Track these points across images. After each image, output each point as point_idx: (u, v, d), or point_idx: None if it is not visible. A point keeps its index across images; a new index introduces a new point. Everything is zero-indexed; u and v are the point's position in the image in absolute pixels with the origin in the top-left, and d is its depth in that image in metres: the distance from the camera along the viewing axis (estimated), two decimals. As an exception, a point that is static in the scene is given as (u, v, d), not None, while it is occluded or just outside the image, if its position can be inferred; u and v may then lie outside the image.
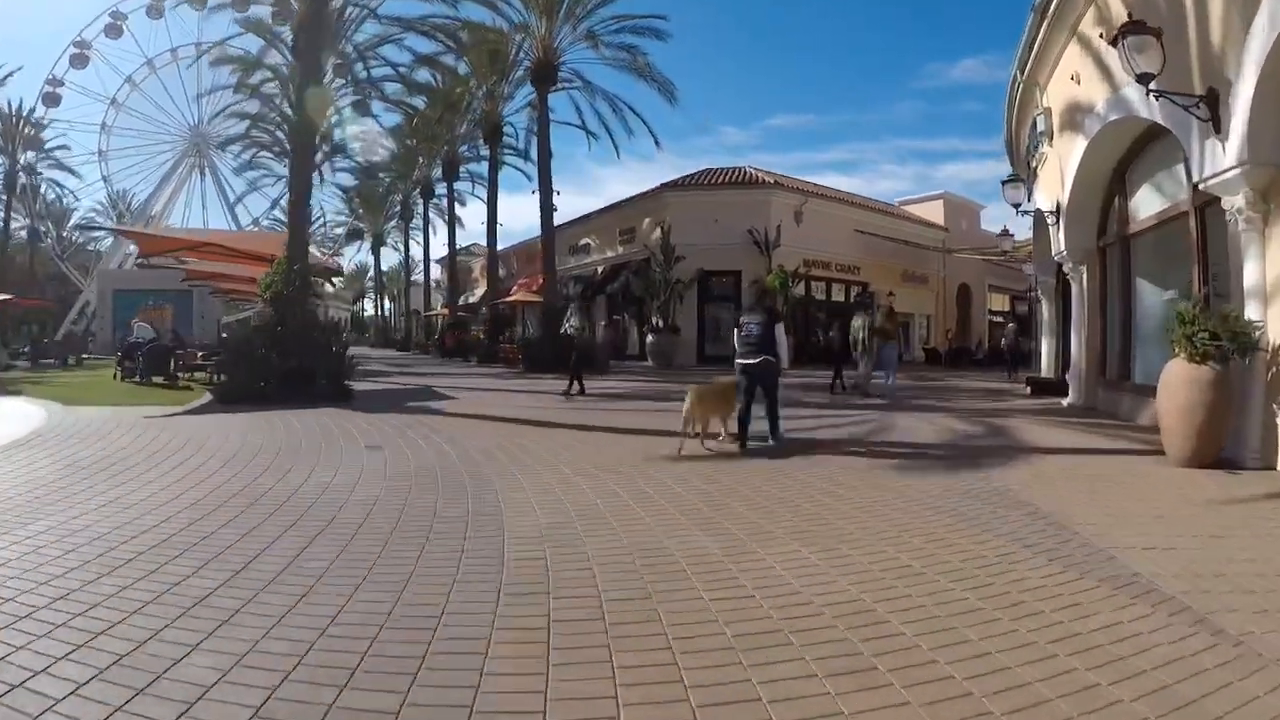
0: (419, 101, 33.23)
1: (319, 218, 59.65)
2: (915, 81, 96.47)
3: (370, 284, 76.15)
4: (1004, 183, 17.58)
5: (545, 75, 24.48)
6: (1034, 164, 12.98)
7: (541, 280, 39.75)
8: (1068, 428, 8.63)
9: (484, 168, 38.70)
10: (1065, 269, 11.18)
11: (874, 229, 27.45)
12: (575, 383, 13.21)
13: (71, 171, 43.60)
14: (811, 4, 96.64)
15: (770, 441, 6.86)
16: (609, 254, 30.95)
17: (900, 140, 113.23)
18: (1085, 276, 10.72)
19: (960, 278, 31.96)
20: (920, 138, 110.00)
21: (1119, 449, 7.06)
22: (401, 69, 30.70)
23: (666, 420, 8.02)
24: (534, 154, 26.45)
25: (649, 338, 25.79)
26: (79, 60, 41.59)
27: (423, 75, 29.95)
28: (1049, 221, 11.53)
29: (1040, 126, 11.46)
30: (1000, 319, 35.41)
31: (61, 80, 40.65)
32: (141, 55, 41.75)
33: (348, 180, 44.35)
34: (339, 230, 59.09)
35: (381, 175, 46.01)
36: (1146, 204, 9.23)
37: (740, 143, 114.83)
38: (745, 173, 27.03)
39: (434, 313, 43.35)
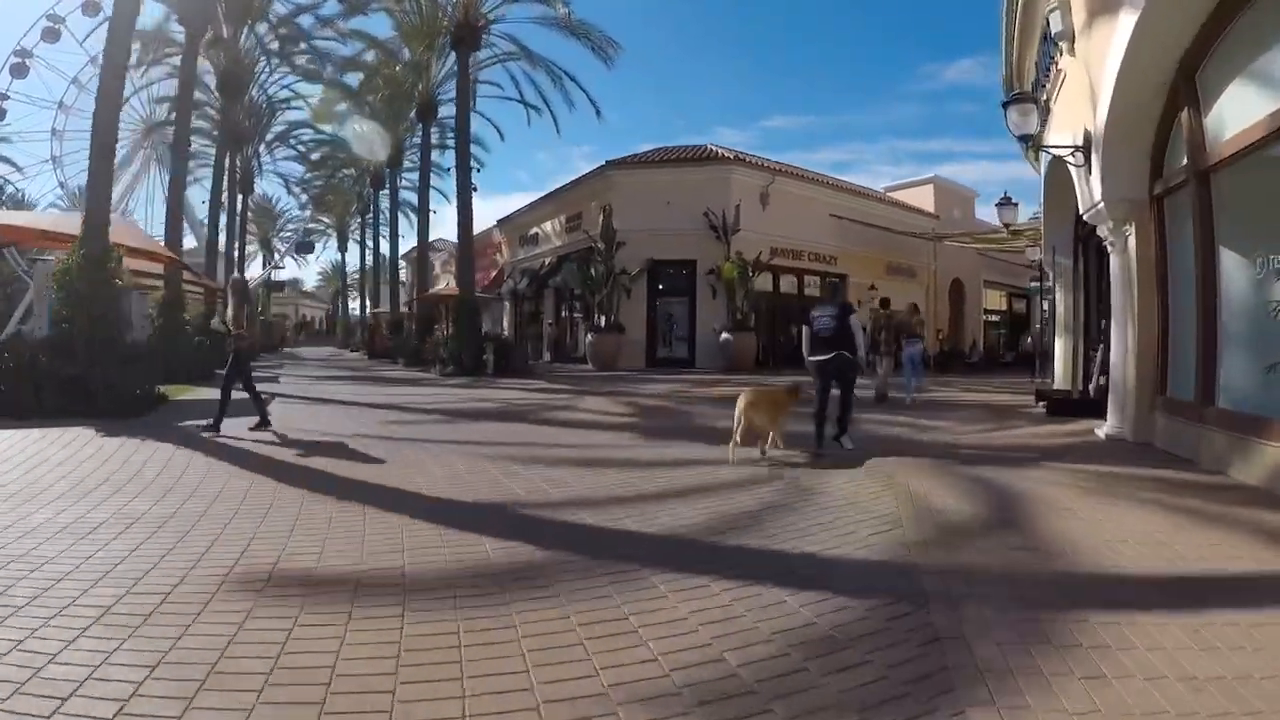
0: (353, 81, 30.17)
1: (281, 215, 56.58)
2: (911, 83, 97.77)
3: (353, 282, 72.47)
4: (1006, 104, 14.15)
5: (466, 38, 20.97)
6: (1047, 94, 9.35)
7: (494, 274, 36.69)
8: (1138, 501, 4.63)
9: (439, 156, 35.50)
10: (1101, 233, 7.49)
11: (854, 214, 23.78)
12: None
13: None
14: (807, 5, 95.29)
15: (845, 445, 6.44)
16: (556, 243, 27.32)
17: (896, 141, 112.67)
18: (1133, 242, 7.05)
19: (953, 271, 28.33)
20: (916, 139, 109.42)
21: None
22: (319, 41, 27.82)
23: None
24: (493, 138, 22.91)
25: (588, 337, 22.19)
26: (19, 70, 38.12)
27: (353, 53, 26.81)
28: (1073, 165, 7.86)
29: (1057, 26, 7.81)
30: (996, 318, 31.91)
31: (6, 94, 37.13)
32: (85, 55, 38.04)
33: (294, 170, 40.96)
34: (290, 230, 55.69)
35: (329, 164, 42.72)
36: (1240, 113, 5.56)
37: (736, 144, 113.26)
38: (703, 149, 23.37)
39: (380, 310, 39.61)
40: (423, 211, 28.55)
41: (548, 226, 28.51)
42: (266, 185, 51.22)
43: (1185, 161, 6.36)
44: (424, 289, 28.99)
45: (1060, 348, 11.82)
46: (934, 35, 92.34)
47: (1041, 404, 10.18)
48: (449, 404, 11.37)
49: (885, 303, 12.71)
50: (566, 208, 26.52)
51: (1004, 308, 32.19)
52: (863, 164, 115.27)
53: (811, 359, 6.50)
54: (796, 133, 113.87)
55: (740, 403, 6.00)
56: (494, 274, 35.03)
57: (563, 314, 28.22)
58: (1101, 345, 9.51)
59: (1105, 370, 8.78)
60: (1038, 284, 21.24)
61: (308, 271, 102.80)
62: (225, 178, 31.45)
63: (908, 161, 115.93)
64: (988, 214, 26.86)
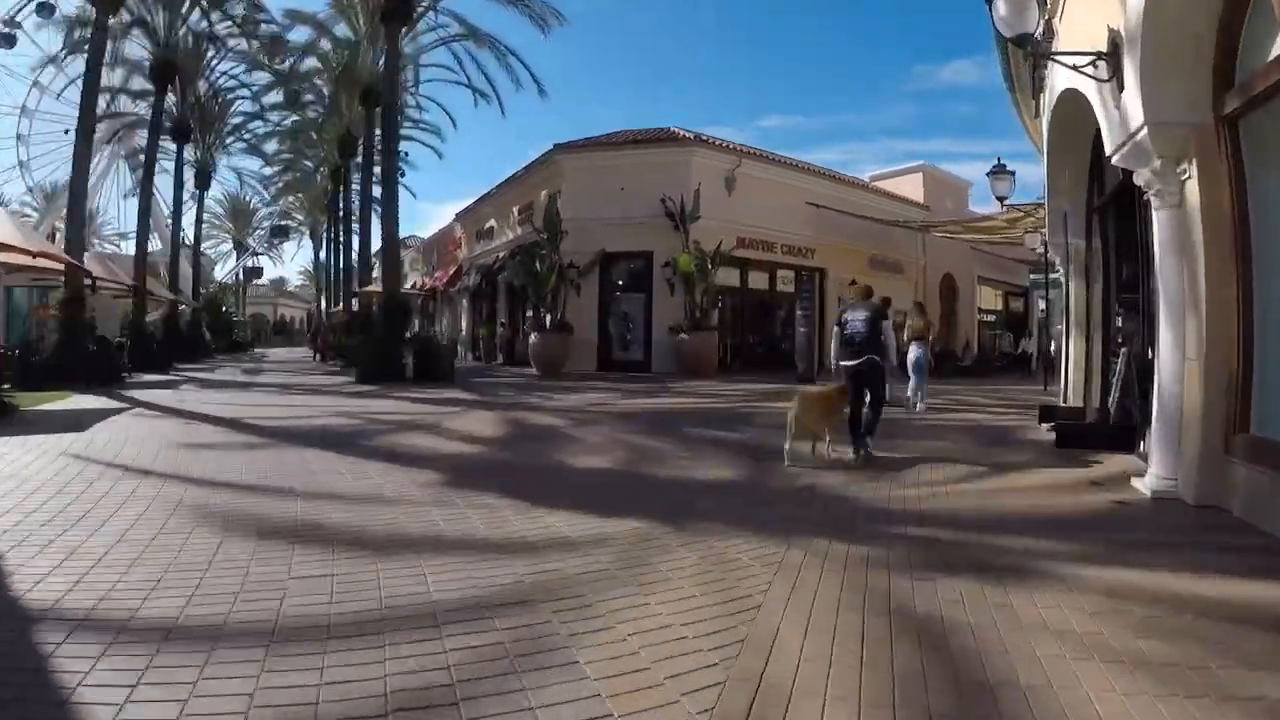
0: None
1: (255, 213, 54.02)
2: (907, 83, 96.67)
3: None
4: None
5: (395, 10, 18.60)
6: (1049, 11, 6.91)
7: (452, 271, 34.15)
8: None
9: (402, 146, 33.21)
10: (1142, 182, 4.96)
11: (834, 203, 21.28)
12: None
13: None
14: (801, 4, 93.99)
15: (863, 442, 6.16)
16: (509, 236, 24.89)
17: (892, 141, 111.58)
18: (1193, 188, 4.58)
19: (944, 267, 25.90)
20: (912, 139, 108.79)
21: None
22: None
23: None
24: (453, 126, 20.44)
25: (531, 338, 19.75)
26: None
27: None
28: (1094, 80, 5.37)
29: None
30: (992, 317, 29.46)
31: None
32: (44, 56, 35.63)
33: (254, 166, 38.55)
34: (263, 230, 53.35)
35: (282, 159, 40.38)
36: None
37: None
38: (664, 130, 20.86)
39: (335, 310, 36.99)
40: (364, 202, 26.12)
41: (502, 218, 26.11)
42: (232, 182, 48.84)
43: (1278, 55, 3.92)
44: (363, 286, 26.42)
45: (1073, 351, 9.34)
46: (928, 37, 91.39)
47: (1047, 427, 7.74)
48: (298, 420, 8.95)
49: (887, 302, 10.79)
50: (518, 197, 24.10)
51: (1000, 307, 29.76)
52: (859, 164, 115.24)
53: (841, 364, 6.32)
54: (792, 132, 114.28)
55: (793, 408, 5.95)
56: (453, 270, 32.59)
57: (518, 313, 25.77)
58: (1123, 349, 7.07)
59: (1134, 386, 6.35)
60: (1039, 275, 18.86)
61: (289, 270, 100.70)
62: (180, 172, 29.69)
63: (905, 161, 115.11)
64: (983, 207, 24.42)
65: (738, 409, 10.97)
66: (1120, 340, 7.51)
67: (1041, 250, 14.94)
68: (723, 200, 19.43)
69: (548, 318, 19.30)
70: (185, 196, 31.76)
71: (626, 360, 19.71)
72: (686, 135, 19.26)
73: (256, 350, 43.05)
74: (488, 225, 27.98)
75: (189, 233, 35.32)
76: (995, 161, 14.90)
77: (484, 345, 26.91)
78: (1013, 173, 15.12)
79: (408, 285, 33.07)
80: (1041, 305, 33.87)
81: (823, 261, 21.40)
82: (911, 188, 25.70)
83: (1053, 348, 16.30)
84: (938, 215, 24.55)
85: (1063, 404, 8.91)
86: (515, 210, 24.19)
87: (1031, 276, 25.41)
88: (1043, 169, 9.28)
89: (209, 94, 31.02)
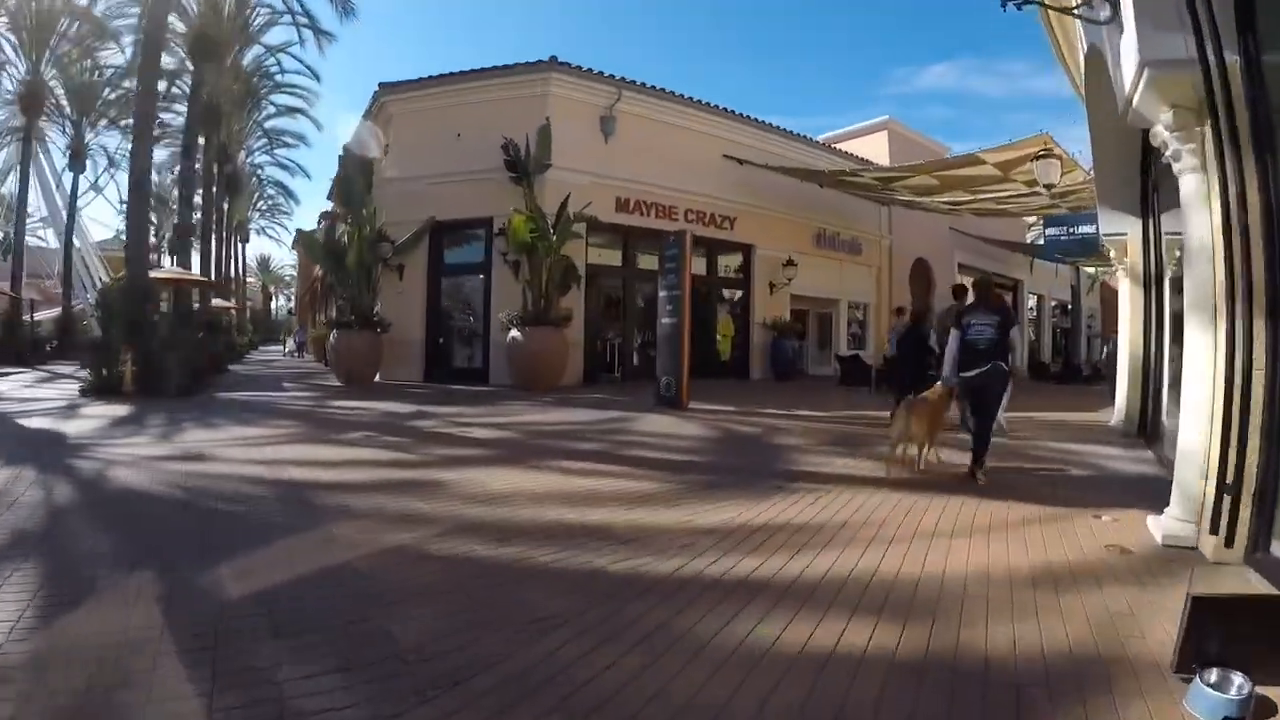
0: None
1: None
2: (887, 86, 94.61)
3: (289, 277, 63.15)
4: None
5: None
6: None
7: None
8: None
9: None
10: (1156, 142, 3.94)
11: (765, 160, 15.58)
12: None
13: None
14: (780, 6, 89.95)
15: (978, 480, 5.38)
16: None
17: None
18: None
19: (914, 248, 20.36)
20: None
21: None
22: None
23: None
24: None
25: (331, 336, 14.24)
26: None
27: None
28: (1093, 20, 4.29)
29: None
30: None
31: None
32: None
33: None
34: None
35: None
36: None
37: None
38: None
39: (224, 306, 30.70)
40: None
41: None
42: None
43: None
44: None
45: (1123, 362, 8.12)
46: (907, 40, 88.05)
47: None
48: None
49: (959, 291, 8.47)
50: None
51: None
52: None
53: (964, 375, 5.64)
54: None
55: (899, 416, 5.62)
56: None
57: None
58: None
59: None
60: (1097, 265, 13.52)
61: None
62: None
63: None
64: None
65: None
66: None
67: (1051, 188, 9.72)
68: (597, 148, 13.84)
69: (351, 311, 13.75)
70: None
71: (466, 368, 14.08)
72: (542, 61, 13.59)
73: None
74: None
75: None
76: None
77: (313, 344, 21.47)
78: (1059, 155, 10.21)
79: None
80: (1032, 303, 28.57)
81: (748, 235, 15.80)
82: (874, 149, 20.10)
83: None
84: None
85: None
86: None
87: (1088, 270, 20.21)
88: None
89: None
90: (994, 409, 5.73)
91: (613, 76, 13.95)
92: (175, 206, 31.48)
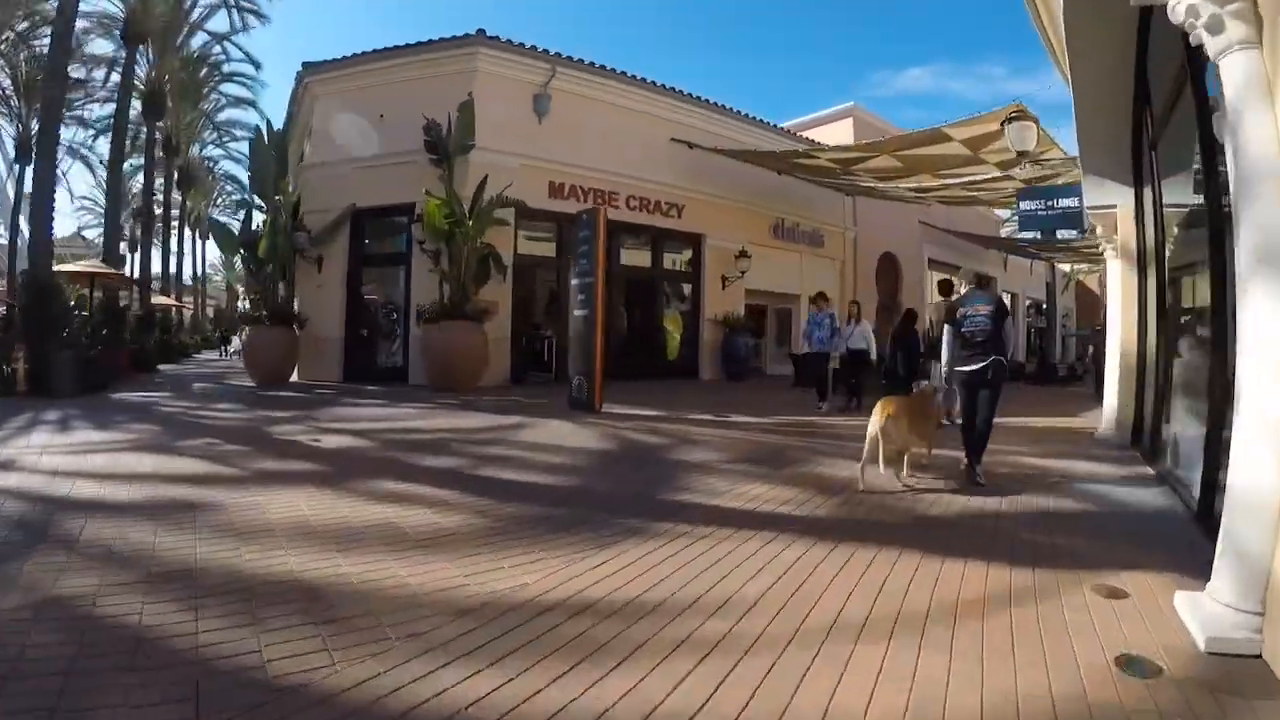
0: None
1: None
2: (865, 90, 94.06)
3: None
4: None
5: None
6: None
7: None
8: None
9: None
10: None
11: (717, 145, 14.59)
12: None
13: None
14: (759, 5, 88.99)
15: (977, 479, 5.14)
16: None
17: None
18: None
19: (881, 242, 19.45)
20: None
21: None
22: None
23: None
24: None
25: (242, 333, 13.24)
26: None
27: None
28: None
29: None
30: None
31: None
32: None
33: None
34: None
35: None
36: None
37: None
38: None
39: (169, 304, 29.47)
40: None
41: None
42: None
43: None
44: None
45: (1117, 365, 6.98)
46: (884, 42, 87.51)
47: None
48: None
49: (946, 287, 8.96)
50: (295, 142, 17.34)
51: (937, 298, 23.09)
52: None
53: (960, 369, 5.44)
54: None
55: (878, 414, 4.87)
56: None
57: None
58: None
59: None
60: (1013, 250, 12.57)
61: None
62: None
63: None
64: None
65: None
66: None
67: (1026, 155, 8.81)
68: (529, 129, 12.85)
69: (263, 305, 12.74)
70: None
71: (387, 367, 13.06)
72: (469, 35, 12.57)
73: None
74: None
75: None
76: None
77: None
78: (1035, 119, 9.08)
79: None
80: (1006, 301, 27.80)
81: (697, 224, 14.83)
82: (839, 137, 19.16)
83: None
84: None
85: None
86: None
87: (1063, 268, 19.23)
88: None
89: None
90: (994, 404, 5.41)
91: (546, 51, 12.95)
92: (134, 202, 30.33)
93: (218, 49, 24.05)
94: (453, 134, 11.67)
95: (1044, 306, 25.06)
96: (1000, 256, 23.03)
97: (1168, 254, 5.96)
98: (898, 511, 4.26)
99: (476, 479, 4.92)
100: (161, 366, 18.17)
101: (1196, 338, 4.95)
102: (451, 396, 10.10)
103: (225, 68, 25.02)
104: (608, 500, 4.34)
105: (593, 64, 13.42)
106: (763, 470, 5.28)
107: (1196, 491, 4.04)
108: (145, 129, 23.56)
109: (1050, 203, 8.98)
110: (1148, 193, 6.30)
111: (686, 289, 15.20)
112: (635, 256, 14.51)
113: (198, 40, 24.72)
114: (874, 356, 9.85)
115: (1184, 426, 4.98)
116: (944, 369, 5.69)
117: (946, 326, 5.65)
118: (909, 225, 19.93)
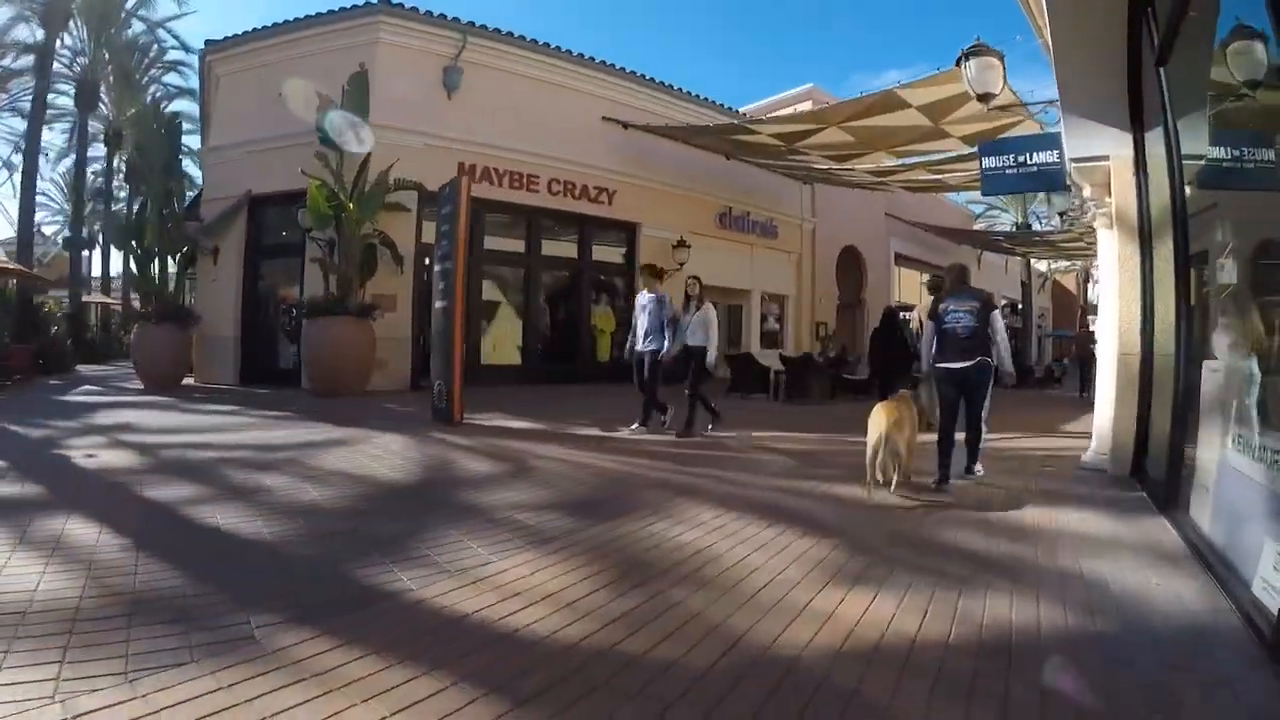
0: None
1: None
2: (841, 93, 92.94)
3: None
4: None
5: None
6: None
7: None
8: None
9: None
10: None
11: (656, 124, 13.45)
12: None
13: None
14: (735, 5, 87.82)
15: (968, 476, 5.08)
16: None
17: None
18: None
19: (843, 235, 18.32)
20: None
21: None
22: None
23: None
24: None
25: (133, 330, 12.14)
26: None
27: None
28: None
29: None
30: (907, 314, 21.94)
31: None
32: None
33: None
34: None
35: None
36: None
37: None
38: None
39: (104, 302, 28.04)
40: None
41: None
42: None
43: None
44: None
45: (1113, 371, 5.42)
46: (862, 45, 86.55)
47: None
48: None
49: (937, 285, 7.33)
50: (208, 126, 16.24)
51: (927, 300, 21.78)
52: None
53: (941, 366, 5.11)
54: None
55: (881, 421, 4.50)
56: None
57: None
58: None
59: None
60: (987, 246, 11.43)
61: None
62: None
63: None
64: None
65: None
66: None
67: (990, 99, 7.39)
68: (437, 105, 11.75)
69: (154, 301, 11.66)
70: None
71: (286, 368, 11.94)
72: (370, 3, 11.45)
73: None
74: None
75: None
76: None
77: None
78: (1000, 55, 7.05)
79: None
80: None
81: (631, 212, 13.72)
82: (798, 124, 18.13)
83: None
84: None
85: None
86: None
87: (1039, 267, 18.04)
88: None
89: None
90: (980, 409, 5.21)
91: (458, 20, 11.85)
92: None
93: (153, 36, 22.81)
94: (343, 111, 10.56)
95: (1019, 306, 23.97)
96: (974, 253, 21.94)
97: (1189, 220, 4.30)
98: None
99: (176, 522, 3.73)
100: (82, 367, 17.04)
101: (1246, 329, 3.30)
102: (326, 402, 8.98)
103: (169, 56, 23.84)
104: (283, 573, 2.92)
105: (510, 34, 12.31)
106: (570, 526, 3.71)
107: (1260, 590, 2.44)
108: (78, 121, 22.40)
109: (1020, 157, 7.21)
110: (1155, 134, 4.67)
111: (620, 283, 14.06)
112: (560, 247, 13.38)
113: (141, 28, 23.61)
114: (713, 356, 7.13)
115: (1221, 462, 3.23)
116: (921, 367, 5.35)
117: (928, 323, 5.28)
118: (874, 217, 18.84)
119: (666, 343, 7.06)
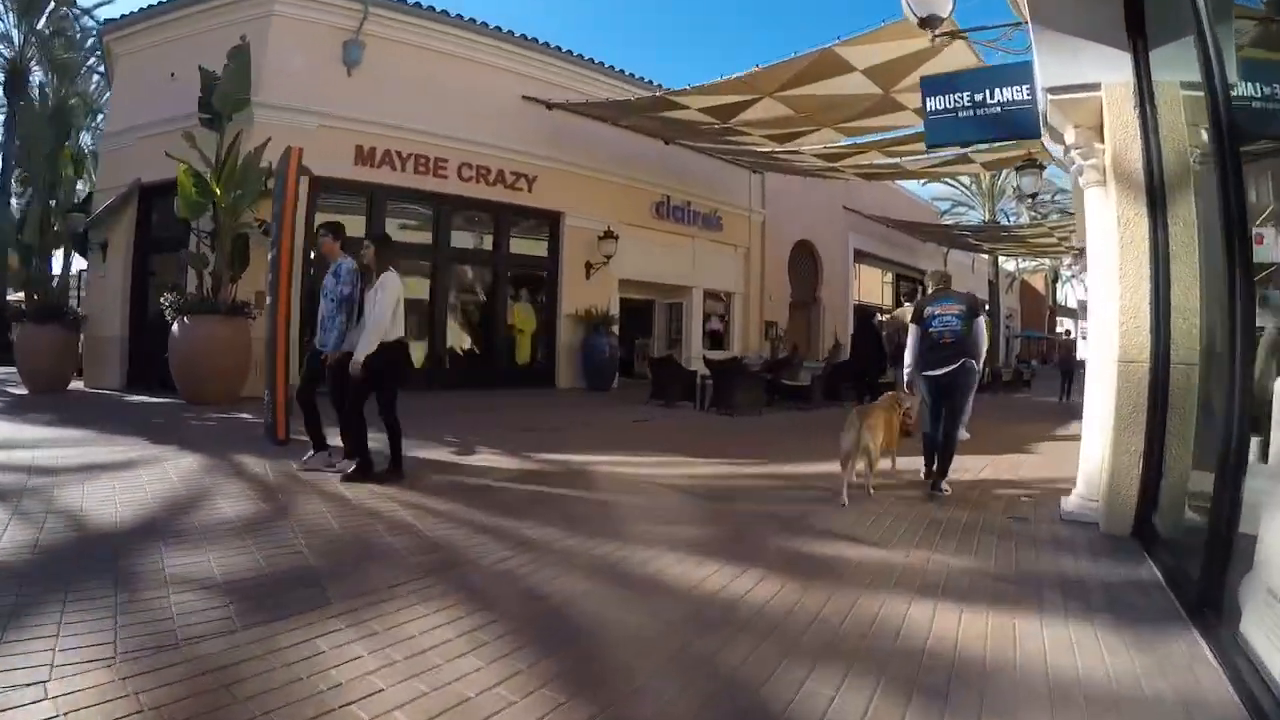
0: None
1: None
2: None
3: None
4: None
5: None
6: None
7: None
8: None
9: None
10: None
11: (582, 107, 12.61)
12: None
13: None
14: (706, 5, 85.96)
15: (935, 494, 4.90)
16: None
17: None
18: None
19: (796, 229, 17.56)
20: None
21: None
22: None
23: None
24: None
25: (14, 331, 11.28)
26: None
27: None
28: None
29: None
30: (879, 313, 21.04)
31: None
32: None
33: None
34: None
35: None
36: None
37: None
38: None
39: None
40: None
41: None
42: None
43: None
44: None
45: (1111, 387, 3.90)
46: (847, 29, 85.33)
47: None
48: None
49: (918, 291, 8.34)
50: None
51: (889, 301, 20.80)
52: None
53: (926, 373, 5.09)
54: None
55: (857, 424, 4.61)
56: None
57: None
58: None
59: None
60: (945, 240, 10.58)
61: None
62: None
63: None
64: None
65: None
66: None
67: (940, 18, 6.02)
68: (335, 82, 10.93)
69: (32, 297, 10.83)
70: None
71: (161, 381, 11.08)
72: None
73: None
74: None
75: None
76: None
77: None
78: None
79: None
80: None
81: (554, 200, 12.88)
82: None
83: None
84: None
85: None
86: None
87: (1007, 266, 17.19)
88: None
89: None
90: (961, 412, 5.31)
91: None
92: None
93: (86, 22, 21.87)
94: (222, 87, 9.72)
95: (986, 306, 23.32)
96: (939, 251, 21.23)
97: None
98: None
99: None
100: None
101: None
102: (186, 412, 8.18)
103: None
104: None
105: (418, 4, 11.48)
106: (316, 586, 3.04)
107: None
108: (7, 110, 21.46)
109: (978, 95, 5.19)
110: (1166, 51, 3.47)
111: (543, 276, 13.23)
112: (472, 238, 12.56)
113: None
114: (363, 352, 4.74)
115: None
116: (906, 372, 5.27)
117: (911, 327, 5.26)
118: (831, 210, 18.08)
119: (331, 335, 5.00)
